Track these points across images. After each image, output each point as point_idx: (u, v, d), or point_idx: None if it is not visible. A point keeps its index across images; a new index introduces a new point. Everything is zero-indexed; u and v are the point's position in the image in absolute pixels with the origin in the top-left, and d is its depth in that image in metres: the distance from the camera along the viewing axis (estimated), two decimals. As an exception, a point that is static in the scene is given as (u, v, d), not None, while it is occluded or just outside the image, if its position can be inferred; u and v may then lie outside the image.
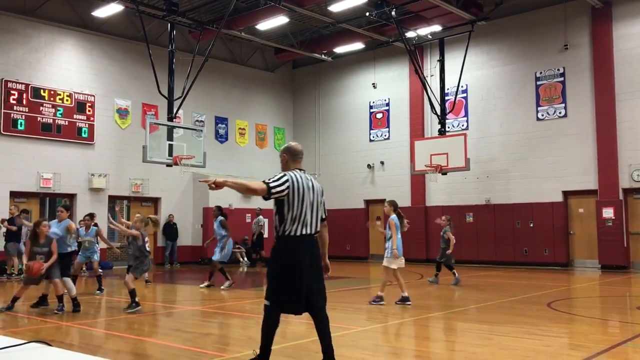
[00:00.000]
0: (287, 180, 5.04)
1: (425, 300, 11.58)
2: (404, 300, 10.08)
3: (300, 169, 5.25)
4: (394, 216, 10.29)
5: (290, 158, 5.31)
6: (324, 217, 5.34)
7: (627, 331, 7.96)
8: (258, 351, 5.15)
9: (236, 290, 12.86)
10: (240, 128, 23.85)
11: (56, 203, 20.84)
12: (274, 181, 5.01)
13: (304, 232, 5.06)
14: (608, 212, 17.62)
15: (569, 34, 18.85)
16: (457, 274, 13.81)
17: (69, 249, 9.84)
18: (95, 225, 13.19)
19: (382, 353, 6.39)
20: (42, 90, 18.05)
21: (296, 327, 8.22)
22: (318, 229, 5.22)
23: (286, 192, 5.02)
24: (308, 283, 5.01)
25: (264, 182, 5.00)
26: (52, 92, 18.26)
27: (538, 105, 19.32)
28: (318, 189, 5.28)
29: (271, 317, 5.05)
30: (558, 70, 19.01)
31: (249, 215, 22.11)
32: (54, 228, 9.42)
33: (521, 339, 7.07)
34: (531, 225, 19.15)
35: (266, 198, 5.02)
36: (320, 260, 5.24)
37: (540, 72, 19.35)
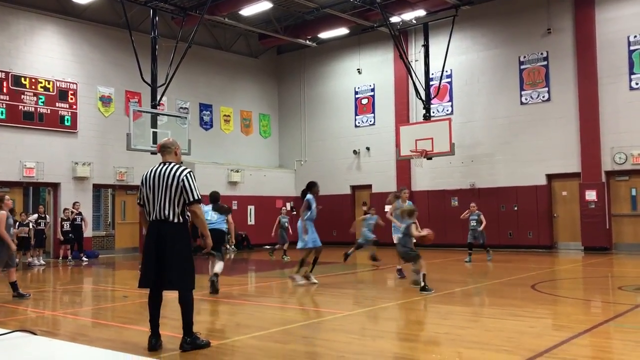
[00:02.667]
0: (141, 180, 5.92)
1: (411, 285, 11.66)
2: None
3: (164, 162, 5.86)
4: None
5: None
6: (187, 200, 5.72)
7: (609, 311, 8.09)
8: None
9: (223, 277, 12.85)
10: (225, 115, 23.72)
11: (40, 192, 20.68)
12: None
13: (152, 218, 5.74)
14: (591, 195, 17.83)
15: (552, 18, 18.92)
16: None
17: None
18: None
19: (368, 337, 6.45)
20: (23, 78, 17.79)
21: (284, 313, 8.27)
22: (167, 213, 5.67)
23: (141, 188, 5.86)
24: (163, 263, 5.61)
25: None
26: (33, 80, 18.00)
27: (522, 89, 19.42)
28: (169, 176, 5.71)
29: (149, 293, 5.80)
30: (541, 54, 19.10)
31: (236, 202, 22.07)
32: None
33: (506, 320, 7.17)
34: (515, 208, 19.33)
35: (142, 204, 5.86)
36: (178, 242, 5.67)
37: (524, 57, 19.42)
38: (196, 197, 5.73)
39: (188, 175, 5.73)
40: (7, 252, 9.17)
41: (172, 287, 5.71)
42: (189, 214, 5.85)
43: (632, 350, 5.58)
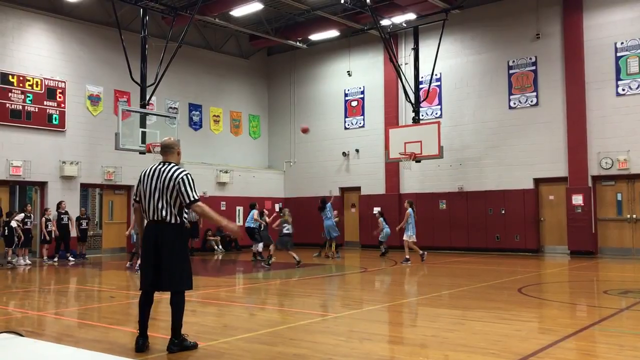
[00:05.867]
0: (139, 177, 5.86)
1: (399, 287, 11.72)
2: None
3: (163, 162, 5.83)
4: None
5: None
6: (184, 202, 5.63)
7: (594, 315, 8.17)
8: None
9: (210, 278, 12.85)
10: (214, 115, 23.66)
11: (27, 191, 20.50)
12: None
13: (149, 218, 5.71)
14: (577, 199, 17.98)
15: (541, 23, 19.08)
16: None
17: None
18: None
19: (356, 339, 6.47)
20: (10, 76, 17.63)
21: (272, 315, 8.27)
22: (164, 214, 5.63)
23: (138, 185, 5.84)
24: (157, 266, 5.60)
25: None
26: (21, 78, 17.85)
27: (510, 93, 19.55)
28: (166, 177, 5.65)
29: (141, 293, 5.77)
30: (530, 59, 19.24)
31: (224, 202, 22.02)
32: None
33: (492, 323, 7.22)
34: (503, 212, 19.45)
35: (137, 201, 5.87)
36: (175, 243, 5.64)
37: (513, 61, 19.56)
38: (192, 199, 5.63)
39: (184, 177, 5.65)
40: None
41: (170, 289, 5.68)
42: (186, 215, 5.80)
43: (617, 354, 5.65)
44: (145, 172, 5.81)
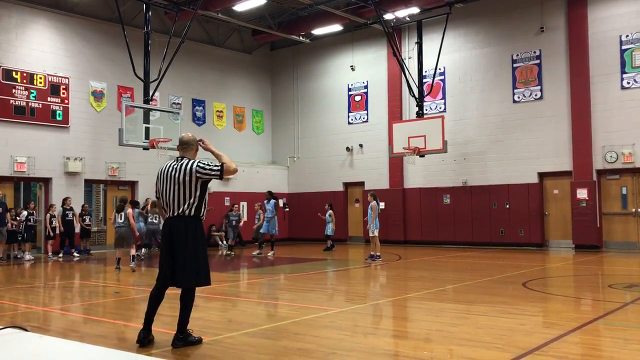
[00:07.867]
0: (157, 174, 5.93)
1: (403, 281, 11.72)
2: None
3: (181, 157, 5.87)
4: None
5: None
6: (217, 177, 5.76)
7: (599, 309, 8.15)
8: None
9: (214, 274, 12.86)
10: (217, 110, 23.65)
11: (31, 187, 20.56)
12: None
13: (168, 215, 5.75)
14: (582, 193, 17.93)
15: (545, 17, 18.98)
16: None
17: None
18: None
19: (360, 333, 6.47)
20: (14, 72, 17.64)
21: (276, 310, 8.28)
22: (178, 210, 5.67)
23: (157, 182, 5.89)
24: (172, 261, 5.65)
25: None
26: (24, 74, 17.86)
27: (514, 87, 19.47)
28: (180, 171, 5.70)
29: (155, 287, 5.79)
30: (534, 52, 19.16)
31: (228, 198, 22.04)
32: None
33: (497, 318, 7.21)
34: (507, 206, 19.41)
35: (158, 198, 5.91)
36: (190, 238, 5.64)
37: (517, 55, 19.48)
38: (217, 167, 5.69)
39: (199, 164, 5.71)
40: None
41: (183, 284, 5.69)
42: (203, 210, 5.81)
43: (622, 347, 5.63)
44: (162, 169, 5.86)
